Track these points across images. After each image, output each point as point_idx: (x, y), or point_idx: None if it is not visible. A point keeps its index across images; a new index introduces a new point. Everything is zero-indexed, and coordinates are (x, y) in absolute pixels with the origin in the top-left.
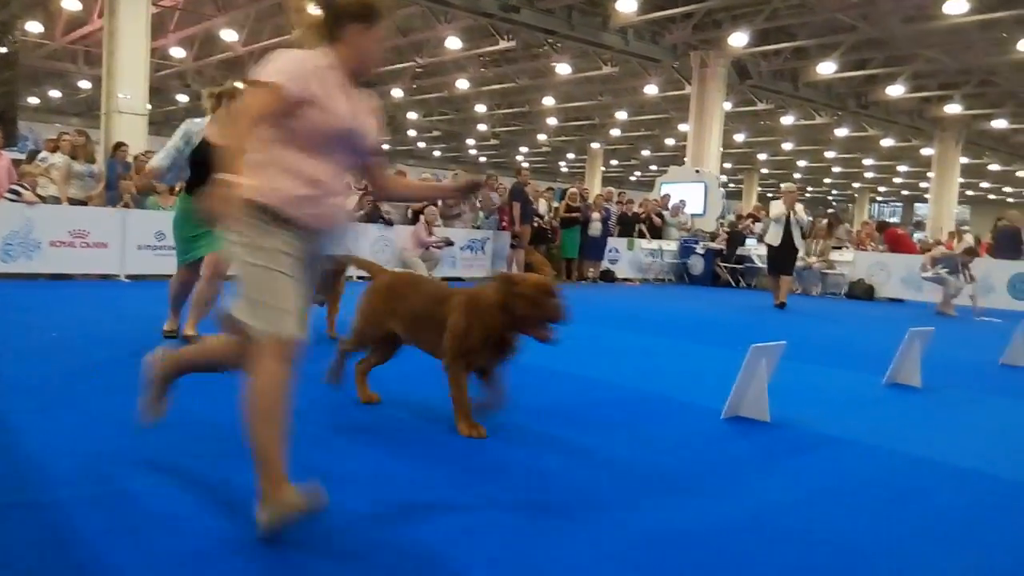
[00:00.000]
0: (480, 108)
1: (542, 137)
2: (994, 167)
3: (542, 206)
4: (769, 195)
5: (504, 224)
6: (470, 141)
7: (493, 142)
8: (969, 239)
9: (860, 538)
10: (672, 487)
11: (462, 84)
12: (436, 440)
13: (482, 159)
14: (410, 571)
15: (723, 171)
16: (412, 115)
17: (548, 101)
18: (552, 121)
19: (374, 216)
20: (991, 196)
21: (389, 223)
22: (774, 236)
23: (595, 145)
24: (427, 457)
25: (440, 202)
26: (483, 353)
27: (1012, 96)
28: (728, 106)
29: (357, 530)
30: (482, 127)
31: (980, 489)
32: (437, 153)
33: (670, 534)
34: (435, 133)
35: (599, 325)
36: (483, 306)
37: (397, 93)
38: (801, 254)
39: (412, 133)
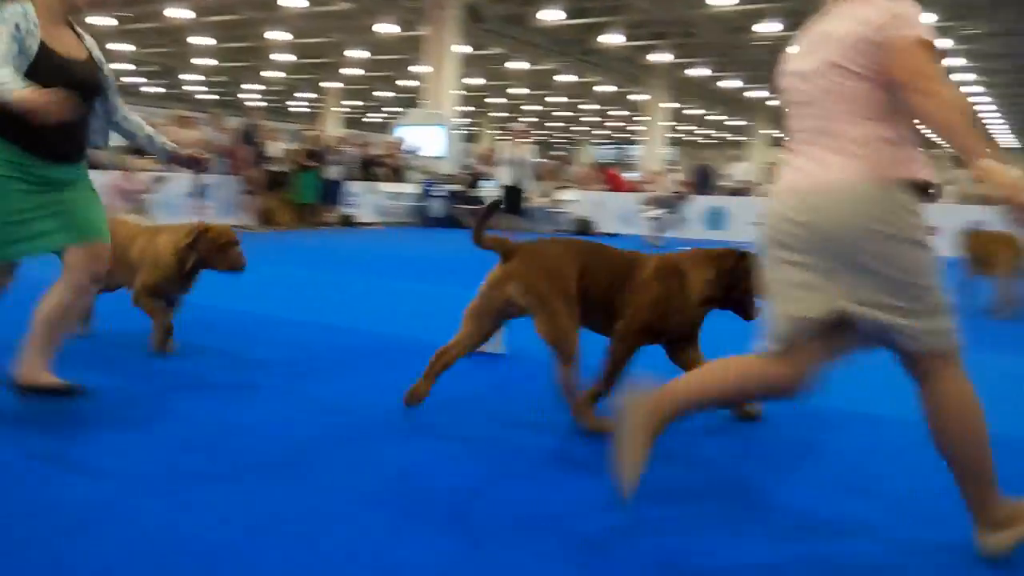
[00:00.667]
0: (201, 41)
1: (272, 74)
2: (696, 112)
3: (275, 148)
4: (498, 138)
5: (234, 167)
6: (191, 77)
7: (218, 78)
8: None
9: (569, 443)
10: (419, 421)
11: (178, 13)
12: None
13: (204, 96)
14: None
15: (459, 114)
16: (122, 47)
17: (278, 35)
18: (283, 57)
19: None
20: (693, 138)
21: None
22: (505, 177)
23: (330, 84)
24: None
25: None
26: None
27: (709, 47)
28: (463, 49)
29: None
30: (203, 62)
31: None
32: (150, 90)
33: (417, 464)
34: (150, 67)
35: (339, 271)
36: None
37: (105, 22)
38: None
39: (123, 66)
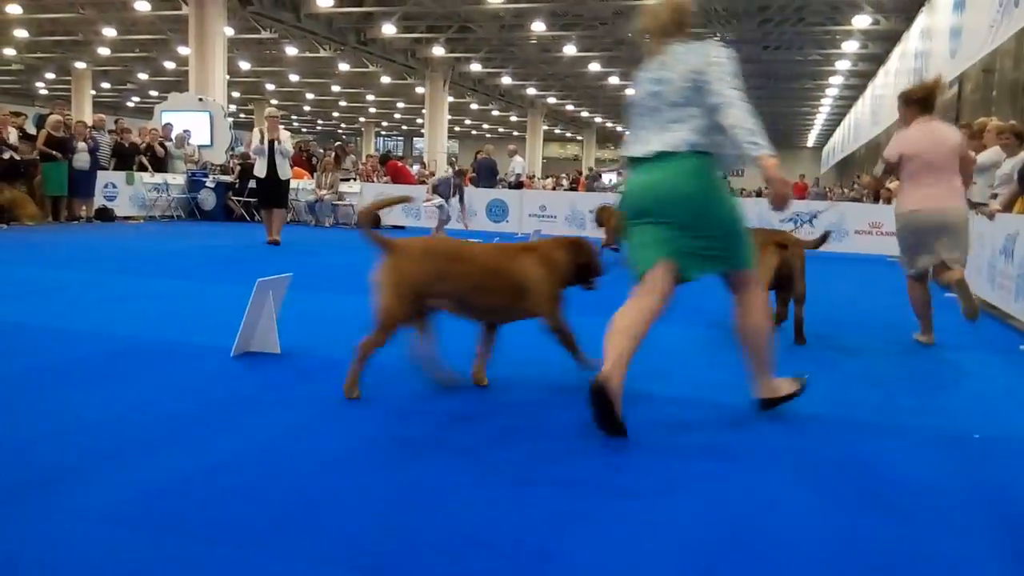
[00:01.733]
0: None
1: (9, 52)
2: (475, 106)
3: (12, 135)
4: (281, 125)
5: None
6: None
7: None
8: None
9: (356, 448)
10: (174, 435)
11: None
12: None
13: None
14: None
15: (230, 100)
16: None
17: (13, 9)
18: (21, 33)
19: None
20: (473, 132)
21: None
22: (259, 167)
23: (81, 65)
24: None
25: None
26: None
27: (485, 42)
28: (230, 31)
29: None
30: None
31: (469, 394)
32: None
33: (169, 485)
34: None
35: (93, 270)
36: None
37: None
38: (312, 187)
39: None
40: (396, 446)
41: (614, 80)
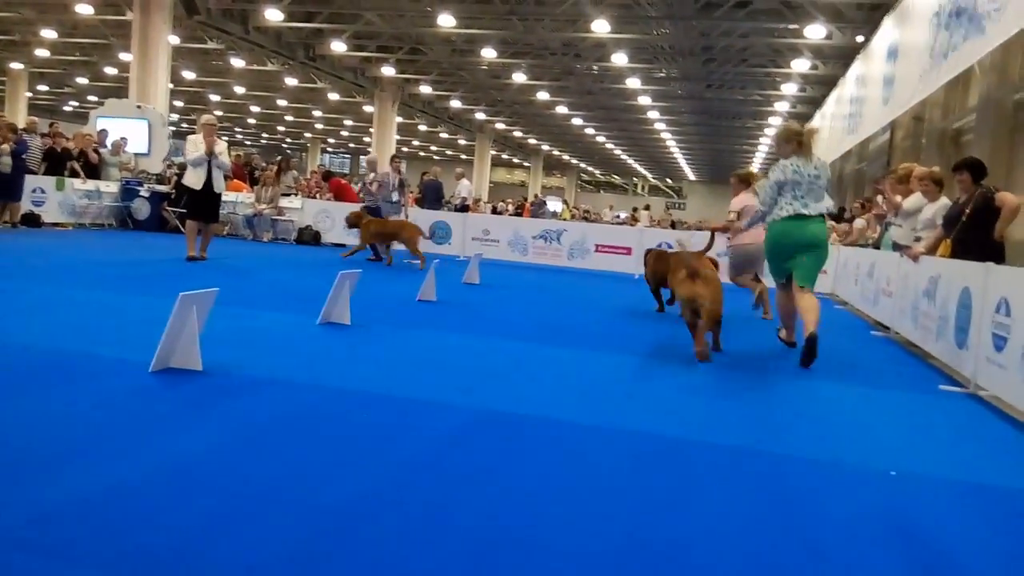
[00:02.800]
0: None
1: None
2: (423, 127)
3: None
4: (225, 139)
5: None
6: None
7: None
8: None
9: (281, 469)
10: (79, 453)
11: None
12: None
13: None
14: None
15: (172, 109)
16: None
17: None
18: None
19: None
20: (421, 153)
21: None
22: (195, 179)
23: (16, 66)
24: None
25: None
26: None
27: (436, 65)
28: (175, 40)
29: None
30: None
31: (388, 409)
32: None
33: (60, 506)
34: None
35: (12, 278)
36: None
37: None
38: (252, 200)
39: None
40: (317, 469)
41: (562, 109)
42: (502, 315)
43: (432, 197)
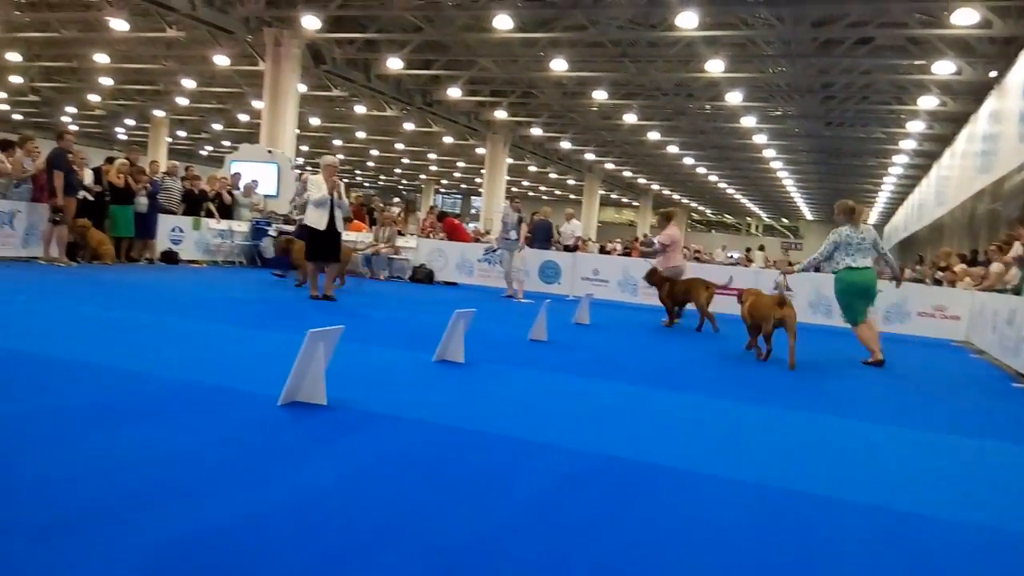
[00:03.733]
0: (13, 57)
1: (94, 98)
2: (533, 168)
3: (87, 176)
4: (346, 180)
5: (41, 195)
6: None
7: (32, 98)
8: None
9: (403, 507)
10: (217, 481)
11: None
12: None
13: (17, 116)
14: None
15: (298, 153)
16: None
17: (102, 58)
18: (106, 81)
19: None
20: (530, 193)
21: None
22: (319, 219)
23: (159, 113)
24: None
25: None
26: None
27: (547, 108)
28: (303, 88)
29: None
30: (16, 79)
31: (502, 449)
32: None
33: (207, 532)
34: None
35: (152, 311)
36: None
37: None
38: (371, 240)
39: None
40: (435, 508)
41: (673, 149)
42: (614, 357)
43: (542, 237)
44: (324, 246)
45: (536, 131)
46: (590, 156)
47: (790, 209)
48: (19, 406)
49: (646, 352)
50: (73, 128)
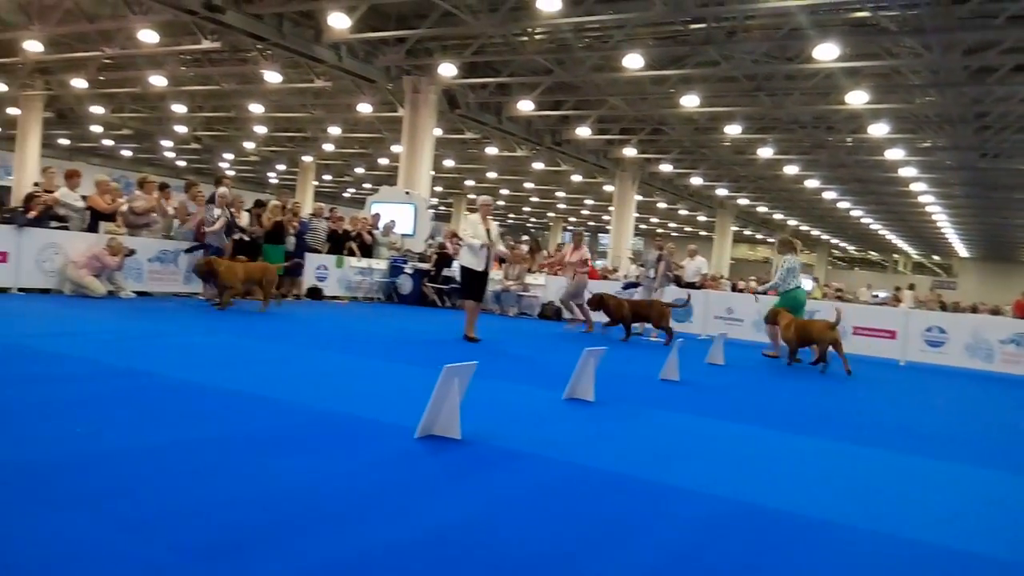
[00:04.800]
0: (179, 108)
1: (249, 145)
2: (662, 205)
3: (244, 218)
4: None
5: (201, 236)
6: (167, 143)
7: (194, 146)
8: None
9: (532, 547)
10: (360, 510)
11: (158, 81)
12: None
13: (181, 163)
14: None
15: (433, 194)
16: (97, 109)
17: (256, 108)
18: (261, 129)
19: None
20: (659, 230)
21: (64, 227)
22: (475, 260)
23: (307, 158)
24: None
25: (127, 209)
26: None
27: (677, 144)
28: (439, 132)
29: None
30: (181, 129)
31: (636, 493)
32: (128, 153)
33: (353, 559)
34: (125, 131)
35: (299, 345)
36: None
37: (79, 84)
38: (500, 277)
39: (97, 129)
40: (572, 548)
41: (812, 183)
42: (749, 399)
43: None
44: (478, 286)
45: (666, 167)
46: (722, 192)
47: (942, 246)
48: (184, 434)
49: (784, 394)
50: (230, 173)
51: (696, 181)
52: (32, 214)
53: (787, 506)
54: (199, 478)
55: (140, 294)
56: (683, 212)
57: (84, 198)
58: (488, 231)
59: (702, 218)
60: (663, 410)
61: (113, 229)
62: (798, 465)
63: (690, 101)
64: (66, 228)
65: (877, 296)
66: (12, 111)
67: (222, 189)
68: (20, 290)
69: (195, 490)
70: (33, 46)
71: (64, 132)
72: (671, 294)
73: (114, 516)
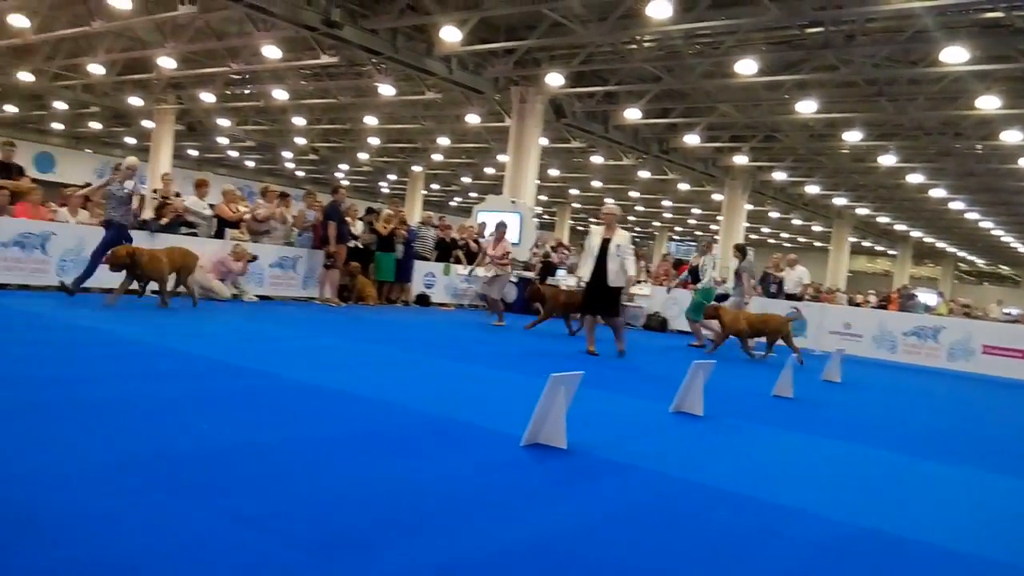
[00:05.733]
0: (299, 121)
1: (363, 156)
2: (774, 214)
3: (358, 226)
4: (580, 228)
5: (318, 242)
6: (287, 154)
7: (312, 157)
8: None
9: (637, 560)
10: (467, 515)
11: (280, 95)
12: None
13: (300, 173)
14: None
15: (538, 203)
16: (224, 122)
17: (370, 120)
18: (374, 140)
19: (176, 224)
20: (771, 241)
21: (193, 234)
22: (585, 269)
23: (417, 168)
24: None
25: (250, 217)
26: None
27: (791, 151)
28: (544, 141)
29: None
30: (300, 141)
31: (745, 511)
32: (251, 164)
33: (461, 563)
34: (249, 143)
35: (407, 349)
36: None
37: (208, 98)
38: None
39: (223, 141)
40: (682, 566)
41: (937, 192)
42: (869, 419)
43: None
44: (591, 299)
45: (779, 176)
46: (840, 201)
47: None
48: (298, 432)
49: (905, 414)
50: (345, 183)
51: (812, 190)
52: (163, 221)
53: (918, 534)
54: (312, 476)
55: (261, 298)
56: (797, 222)
57: (212, 206)
58: (607, 241)
59: (817, 228)
60: (775, 427)
61: (238, 236)
62: (926, 491)
63: (806, 107)
64: (195, 234)
65: (1010, 314)
66: (147, 124)
67: (130, 159)
68: (153, 292)
69: (308, 487)
70: (167, 63)
71: (193, 144)
72: (771, 307)
73: (232, 509)
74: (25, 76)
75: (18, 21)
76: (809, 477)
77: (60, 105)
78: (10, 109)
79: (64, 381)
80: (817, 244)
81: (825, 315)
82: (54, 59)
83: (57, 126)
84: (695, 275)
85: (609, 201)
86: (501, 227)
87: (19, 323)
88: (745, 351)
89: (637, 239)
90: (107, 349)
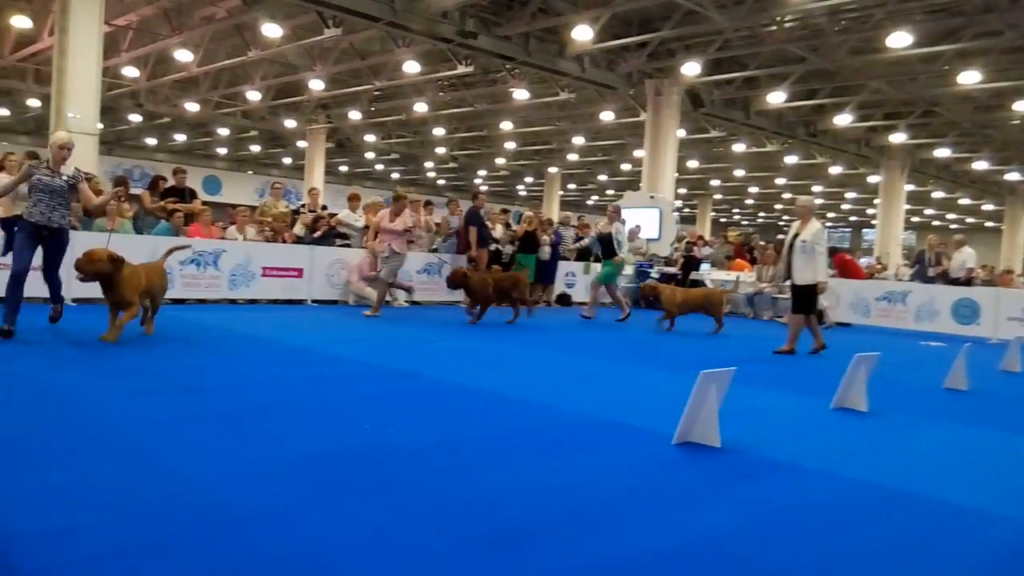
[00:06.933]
0: (438, 131)
1: (500, 161)
2: (938, 195)
3: (498, 230)
4: (723, 220)
5: (461, 248)
6: (428, 164)
7: (452, 165)
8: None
9: (807, 564)
10: (622, 514)
11: (420, 107)
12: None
13: (441, 182)
14: None
15: (677, 196)
16: (370, 137)
17: (506, 125)
18: (510, 145)
19: (330, 236)
20: (935, 223)
21: (347, 245)
22: (803, 270)
23: (553, 169)
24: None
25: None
26: None
27: (954, 126)
28: (682, 133)
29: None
30: (440, 150)
31: (923, 513)
32: (395, 175)
33: (620, 561)
34: (393, 155)
35: (551, 349)
36: None
37: (355, 115)
38: (753, 279)
39: (370, 155)
40: (851, 572)
41: None
42: None
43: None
44: (796, 296)
45: (941, 153)
46: (1014, 177)
47: None
48: (453, 432)
49: None
50: (483, 188)
51: (979, 166)
52: (318, 234)
53: None
54: (470, 475)
55: (411, 303)
56: (964, 201)
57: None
58: (796, 236)
59: (988, 207)
60: (950, 422)
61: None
62: None
63: (969, 78)
64: (348, 245)
65: None
66: (301, 144)
67: (59, 134)
68: (313, 301)
69: (465, 485)
70: (316, 84)
71: (343, 160)
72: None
73: (396, 505)
74: (191, 106)
75: (183, 56)
76: (996, 477)
77: (223, 131)
78: (179, 137)
79: (233, 386)
80: (988, 224)
81: (1001, 300)
82: (216, 88)
83: (221, 150)
84: (608, 244)
85: (802, 198)
86: (400, 197)
87: (197, 335)
88: (663, 323)
89: (785, 228)
90: (277, 356)
